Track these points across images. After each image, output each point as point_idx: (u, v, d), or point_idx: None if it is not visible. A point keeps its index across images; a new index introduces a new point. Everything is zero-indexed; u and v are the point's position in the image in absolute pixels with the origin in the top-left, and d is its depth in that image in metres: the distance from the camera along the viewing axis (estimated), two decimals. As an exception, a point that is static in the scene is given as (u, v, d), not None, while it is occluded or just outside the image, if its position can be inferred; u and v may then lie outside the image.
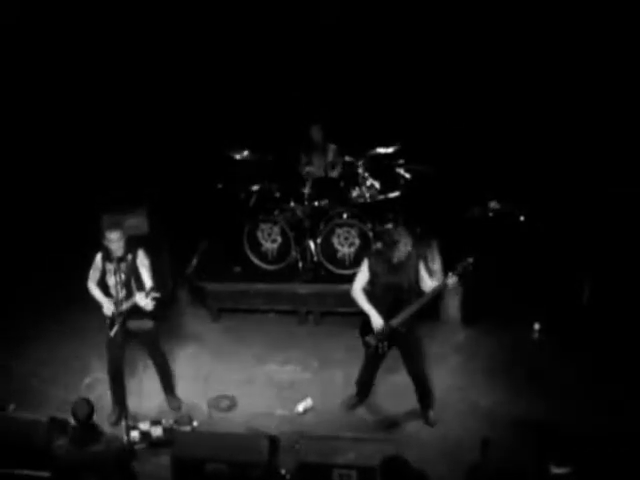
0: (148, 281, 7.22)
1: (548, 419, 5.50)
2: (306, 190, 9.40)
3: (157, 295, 7.09)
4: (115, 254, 7.14)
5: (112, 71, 11.01)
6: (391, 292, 6.94)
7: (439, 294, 7.08)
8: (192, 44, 10.81)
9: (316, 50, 10.54)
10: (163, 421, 7.40)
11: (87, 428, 5.81)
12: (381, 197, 9.52)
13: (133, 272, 7.22)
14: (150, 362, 7.79)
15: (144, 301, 7.07)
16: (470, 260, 6.76)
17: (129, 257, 7.20)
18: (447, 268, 8.69)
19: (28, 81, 10.88)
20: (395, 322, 6.93)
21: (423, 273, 6.98)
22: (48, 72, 10.93)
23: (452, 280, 6.78)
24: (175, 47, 10.83)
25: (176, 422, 7.43)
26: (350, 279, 7.59)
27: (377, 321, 6.96)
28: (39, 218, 10.71)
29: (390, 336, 7.04)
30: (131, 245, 7.28)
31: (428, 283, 6.95)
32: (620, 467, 5.85)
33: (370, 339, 7.10)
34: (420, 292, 6.94)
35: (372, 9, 10.34)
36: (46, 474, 6.01)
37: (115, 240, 7.09)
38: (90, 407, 5.89)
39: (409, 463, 5.35)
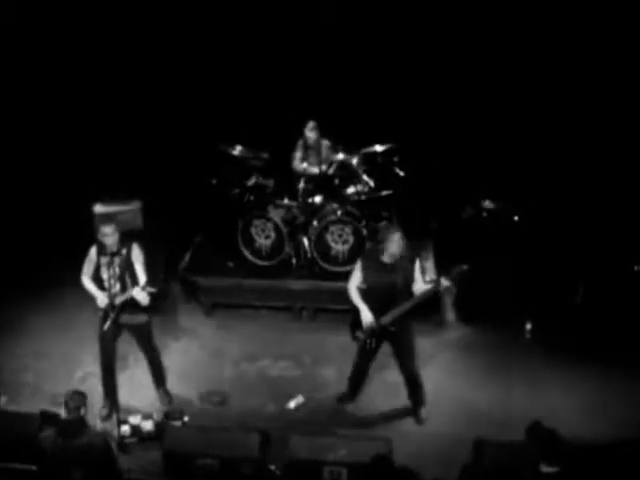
0: (142, 275, 7.21)
1: (540, 419, 5.53)
2: (300, 186, 9.40)
3: (153, 290, 7.09)
4: (110, 248, 7.13)
5: (107, 67, 10.97)
6: (384, 291, 6.94)
7: (432, 296, 7.07)
8: (189, 41, 10.79)
9: (313, 47, 10.52)
10: (154, 415, 7.40)
11: (75, 420, 5.80)
12: (376, 195, 9.51)
13: (127, 266, 7.20)
14: (142, 356, 7.78)
15: (140, 295, 7.06)
16: (464, 267, 6.76)
17: (123, 251, 7.19)
18: (441, 268, 8.75)
19: (24, 76, 10.86)
20: (385, 320, 6.95)
21: (418, 274, 6.99)
22: (44, 66, 10.90)
23: (445, 285, 6.78)
24: (172, 43, 10.80)
25: (167, 416, 7.43)
26: (344, 276, 7.59)
27: (367, 317, 6.98)
28: (31, 212, 10.66)
29: (380, 333, 7.06)
30: (125, 239, 7.27)
31: (421, 284, 6.95)
32: (612, 467, 5.87)
33: (359, 334, 7.13)
34: (412, 293, 6.95)
35: (370, 8, 10.33)
36: (34, 468, 6.00)
37: (109, 234, 7.07)
38: (82, 399, 5.88)
39: (392, 461, 5.38)
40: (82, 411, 5.86)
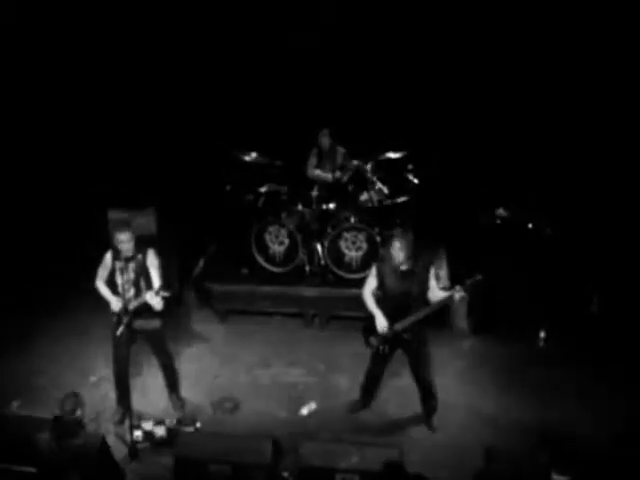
0: (157, 281, 7.23)
1: (552, 427, 5.52)
2: (314, 193, 9.42)
3: (167, 294, 7.10)
4: (125, 254, 7.15)
5: (122, 73, 11.06)
6: (398, 298, 6.94)
7: (446, 305, 7.07)
8: (205, 48, 10.86)
9: (326, 54, 10.56)
10: (167, 421, 7.39)
11: (70, 422, 5.81)
12: (389, 202, 9.51)
13: (143, 271, 7.22)
14: (155, 362, 7.80)
15: (154, 300, 7.06)
16: (479, 277, 6.74)
17: (139, 257, 7.21)
18: (455, 277, 8.74)
19: (36, 82, 10.93)
20: (399, 327, 6.94)
21: (432, 282, 6.97)
22: (54, 72, 10.98)
23: (459, 295, 6.77)
24: (188, 50, 10.87)
25: (179, 422, 7.44)
26: (357, 283, 7.57)
27: (381, 323, 6.98)
28: (47, 217, 10.74)
29: (393, 340, 7.06)
30: (140, 245, 7.29)
31: (436, 293, 6.95)
32: (624, 477, 5.85)
33: (373, 339, 7.13)
34: (427, 300, 6.94)
35: (383, 15, 10.37)
36: (33, 470, 6.00)
37: (125, 241, 7.09)
38: (77, 401, 5.88)
39: (405, 469, 5.37)
40: (78, 412, 5.87)
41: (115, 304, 7.18)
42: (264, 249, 9.49)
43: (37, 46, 10.82)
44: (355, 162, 9.52)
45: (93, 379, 8.28)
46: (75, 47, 10.84)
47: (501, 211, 9.66)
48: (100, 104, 11.16)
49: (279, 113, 10.83)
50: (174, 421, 7.43)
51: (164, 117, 11.07)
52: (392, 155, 9.40)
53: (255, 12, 10.66)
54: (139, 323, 7.24)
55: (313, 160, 9.82)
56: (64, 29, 10.72)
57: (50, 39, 10.75)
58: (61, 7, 10.60)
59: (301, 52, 10.62)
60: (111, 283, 7.28)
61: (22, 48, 10.72)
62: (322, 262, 9.47)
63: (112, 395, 7.68)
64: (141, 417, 7.44)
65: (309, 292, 9.34)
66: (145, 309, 7.15)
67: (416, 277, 6.91)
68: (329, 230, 9.34)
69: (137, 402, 7.46)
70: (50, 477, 5.85)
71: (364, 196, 9.44)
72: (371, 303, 7.11)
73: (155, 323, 7.41)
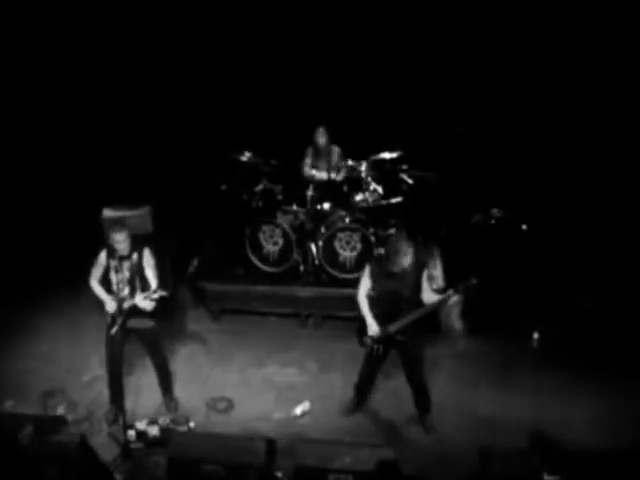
0: (153, 280, 7.22)
1: (545, 428, 5.53)
2: (309, 193, 9.41)
3: (164, 294, 7.10)
4: (120, 253, 7.15)
5: (120, 72, 11.04)
6: (391, 299, 6.93)
7: (439, 307, 7.07)
8: (200, 47, 10.85)
9: (322, 53, 10.55)
10: (160, 421, 7.40)
11: (51, 418, 5.82)
12: (384, 202, 9.51)
13: (138, 271, 7.22)
14: (149, 361, 7.79)
15: (144, 302, 7.07)
16: (473, 281, 6.74)
17: (134, 256, 7.20)
18: (449, 276, 8.75)
19: (35, 81, 10.92)
20: (392, 328, 6.94)
21: (425, 284, 6.96)
22: (53, 72, 10.96)
23: (453, 299, 6.78)
24: (183, 49, 10.86)
25: (173, 422, 7.44)
26: (351, 283, 7.55)
27: (372, 328, 7.00)
28: (41, 215, 10.71)
29: (387, 341, 7.06)
30: (135, 244, 7.28)
31: (428, 295, 6.94)
32: (615, 478, 5.85)
33: (367, 339, 7.13)
34: (420, 302, 6.93)
35: (378, 14, 10.37)
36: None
37: (121, 241, 7.09)
38: (59, 398, 5.89)
39: (400, 469, 5.38)
40: (60, 410, 5.88)
41: (110, 304, 7.16)
42: (258, 249, 9.48)
43: (37, 46, 10.79)
44: (350, 162, 9.51)
45: (87, 378, 8.26)
46: (74, 47, 10.81)
47: (496, 211, 9.69)
48: (98, 104, 11.13)
49: (278, 113, 10.81)
50: (167, 421, 7.44)
51: (160, 117, 11.05)
52: (387, 155, 9.40)
53: (255, 12, 10.64)
54: (133, 322, 7.24)
55: (309, 159, 9.79)
56: (64, 29, 10.69)
57: (50, 39, 10.73)
58: (61, 7, 10.57)
59: (301, 52, 10.60)
60: (105, 281, 7.26)
61: (22, 48, 10.69)
62: (316, 262, 9.46)
63: (106, 394, 7.66)
64: (134, 417, 7.44)
65: (303, 292, 9.33)
66: (139, 309, 7.14)
67: (409, 278, 6.90)
68: (323, 230, 9.33)
69: (130, 401, 7.46)
70: (30, 472, 5.85)
71: (359, 196, 9.44)
72: (364, 306, 7.10)
73: (149, 323, 7.40)
